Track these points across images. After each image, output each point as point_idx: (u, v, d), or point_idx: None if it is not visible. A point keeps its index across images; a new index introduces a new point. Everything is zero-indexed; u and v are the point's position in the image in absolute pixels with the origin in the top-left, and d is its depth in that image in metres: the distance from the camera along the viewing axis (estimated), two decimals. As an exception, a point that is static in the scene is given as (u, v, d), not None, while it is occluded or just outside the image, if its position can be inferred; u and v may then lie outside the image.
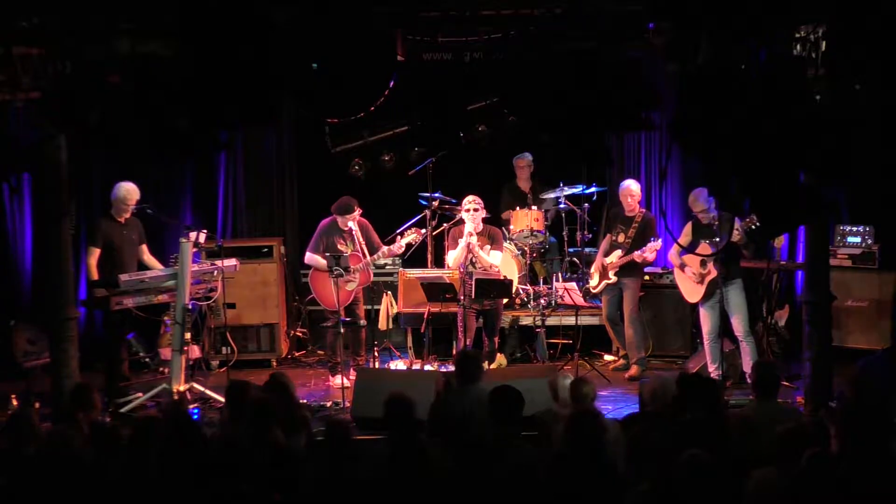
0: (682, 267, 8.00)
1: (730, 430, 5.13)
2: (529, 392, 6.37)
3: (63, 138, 6.84)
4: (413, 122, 8.48)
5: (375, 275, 8.92)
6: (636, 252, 8.35)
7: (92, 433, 5.05)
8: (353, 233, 8.29)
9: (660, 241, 8.48)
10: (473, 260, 8.41)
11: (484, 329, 8.49)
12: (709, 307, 7.85)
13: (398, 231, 8.78)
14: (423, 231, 8.70)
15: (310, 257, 8.42)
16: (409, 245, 8.52)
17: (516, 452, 4.80)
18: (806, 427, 4.57)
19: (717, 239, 7.67)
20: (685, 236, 8.00)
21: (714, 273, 7.75)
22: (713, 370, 7.77)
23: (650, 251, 8.39)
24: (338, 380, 8.31)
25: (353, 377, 8.02)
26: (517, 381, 6.76)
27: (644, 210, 8.80)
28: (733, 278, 7.84)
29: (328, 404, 7.66)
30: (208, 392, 7.64)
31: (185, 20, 5.39)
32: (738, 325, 7.83)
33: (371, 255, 8.31)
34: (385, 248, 8.33)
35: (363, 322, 8.45)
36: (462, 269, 8.36)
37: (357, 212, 8.26)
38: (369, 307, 8.63)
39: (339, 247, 8.30)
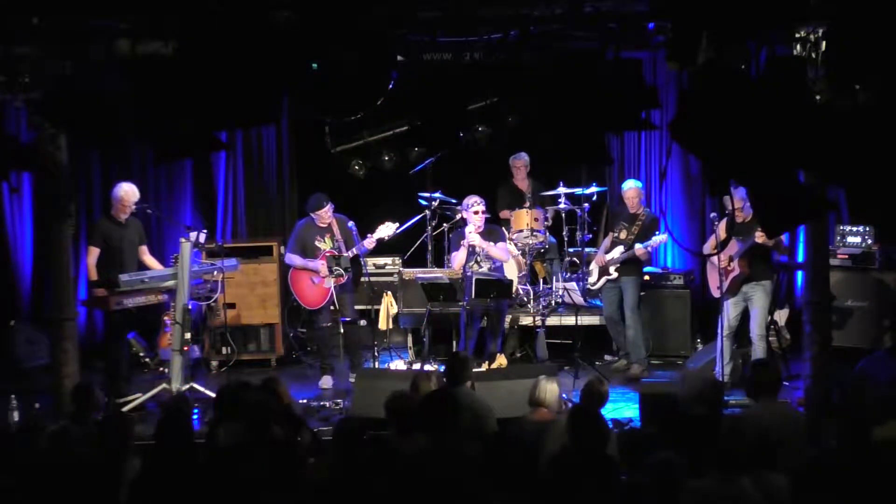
0: (710, 260, 7.97)
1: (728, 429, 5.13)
2: (529, 392, 6.37)
3: (63, 138, 6.84)
4: (413, 122, 8.47)
5: (375, 274, 8.93)
6: (638, 245, 8.35)
7: (99, 431, 5.07)
8: (333, 230, 8.27)
9: (665, 234, 8.49)
10: (479, 259, 8.41)
11: (487, 329, 8.49)
12: (731, 304, 7.79)
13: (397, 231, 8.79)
14: (396, 224, 8.60)
15: (288, 257, 8.43)
16: (380, 240, 8.45)
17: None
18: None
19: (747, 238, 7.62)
20: (721, 234, 7.91)
21: (737, 270, 7.72)
22: (723, 367, 7.73)
23: (655, 243, 8.41)
24: (326, 381, 8.31)
25: (352, 379, 8.02)
26: (517, 382, 6.79)
27: (648, 210, 8.81)
28: (760, 279, 7.76)
29: (328, 404, 7.67)
30: (208, 392, 7.64)
31: (185, 21, 5.39)
32: (755, 326, 7.75)
33: (346, 252, 8.27)
34: (354, 248, 8.28)
35: (363, 323, 8.44)
36: (464, 270, 8.38)
37: (328, 206, 8.23)
38: (369, 307, 8.62)
39: (316, 244, 8.29)
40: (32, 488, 4.51)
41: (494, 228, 8.69)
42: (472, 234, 8.37)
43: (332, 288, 8.17)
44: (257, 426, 4.96)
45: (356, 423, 5.07)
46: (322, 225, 8.29)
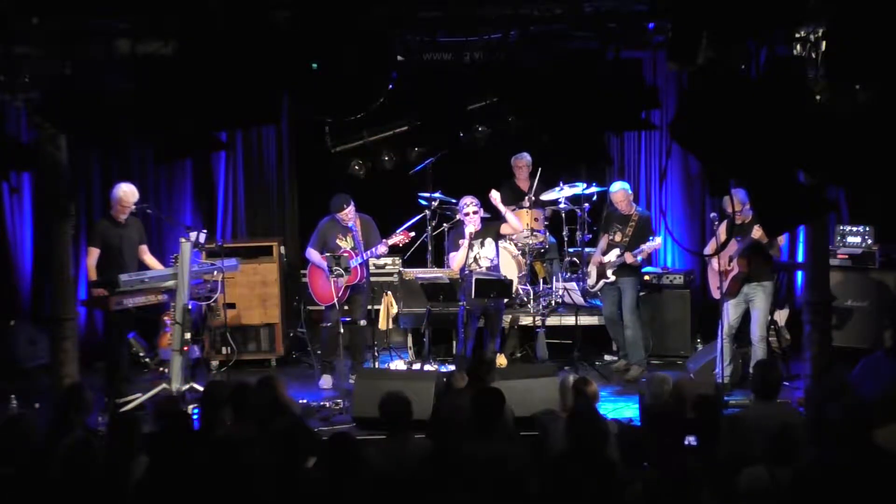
0: (710, 262, 7.97)
1: (728, 430, 5.14)
2: (529, 392, 6.41)
3: (63, 138, 6.84)
4: (413, 122, 8.48)
5: (375, 275, 8.93)
6: (628, 253, 8.36)
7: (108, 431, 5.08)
8: (354, 230, 8.31)
9: (658, 239, 8.48)
10: (477, 257, 8.43)
11: (485, 329, 8.49)
12: (732, 305, 7.78)
13: (397, 231, 8.79)
14: (412, 234, 8.70)
15: (308, 252, 8.50)
16: (394, 246, 8.51)
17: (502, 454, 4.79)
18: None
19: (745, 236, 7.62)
20: (722, 236, 7.91)
21: (736, 269, 7.72)
22: (723, 368, 7.73)
23: (648, 249, 8.39)
24: (327, 381, 8.31)
25: (352, 380, 8.01)
26: (517, 382, 6.80)
27: (640, 209, 8.80)
28: (761, 280, 7.76)
29: (328, 404, 7.67)
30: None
31: (185, 20, 5.38)
32: (756, 328, 7.75)
33: (366, 252, 8.31)
34: (371, 249, 8.34)
35: (363, 323, 8.45)
36: (462, 270, 8.38)
37: (348, 208, 8.27)
38: (369, 307, 8.62)
39: (338, 242, 8.33)
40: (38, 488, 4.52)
41: (492, 224, 8.72)
42: (494, 193, 8.51)
43: (343, 287, 8.19)
44: (262, 422, 4.97)
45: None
46: (346, 223, 8.32)
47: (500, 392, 5.22)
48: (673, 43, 4.95)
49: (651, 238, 8.40)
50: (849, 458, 4.33)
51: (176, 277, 7.71)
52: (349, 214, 8.30)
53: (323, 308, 8.51)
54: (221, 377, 8.40)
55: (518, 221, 8.75)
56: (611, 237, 8.63)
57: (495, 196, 8.57)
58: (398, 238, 8.42)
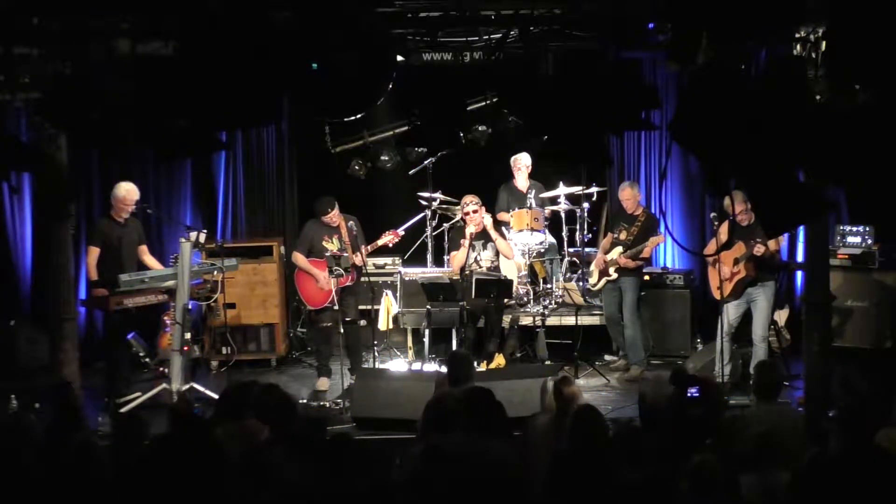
0: (715, 263, 7.98)
1: (729, 430, 5.14)
2: (528, 392, 6.40)
3: (63, 138, 6.84)
4: (413, 122, 8.49)
5: (375, 275, 8.93)
6: (621, 256, 8.37)
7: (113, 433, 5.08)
8: (341, 232, 8.28)
9: (661, 235, 8.49)
10: (477, 258, 8.43)
11: (485, 329, 8.49)
12: (733, 305, 7.79)
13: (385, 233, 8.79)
14: (401, 232, 8.67)
15: (294, 256, 8.44)
16: (383, 246, 8.50)
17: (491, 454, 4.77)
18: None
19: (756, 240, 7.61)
20: (722, 235, 7.91)
21: (743, 273, 7.72)
22: (722, 368, 7.73)
23: (651, 245, 8.40)
24: (323, 383, 8.31)
25: (352, 379, 8.02)
26: (516, 382, 6.80)
27: (647, 210, 8.81)
28: (764, 280, 7.78)
29: (328, 404, 7.67)
30: (209, 392, 7.64)
31: (185, 20, 5.39)
32: (758, 327, 7.76)
33: (352, 254, 8.30)
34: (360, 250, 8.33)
35: (363, 323, 8.44)
36: (462, 270, 8.39)
37: (332, 211, 8.23)
38: (369, 307, 8.62)
39: (324, 244, 8.31)
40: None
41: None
42: (487, 217, 8.52)
43: (336, 289, 8.17)
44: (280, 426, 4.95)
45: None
46: (332, 225, 8.29)
47: (489, 391, 5.18)
48: (673, 43, 4.96)
49: (657, 232, 8.42)
50: (849, 459, 4.32)
51: (176, 277, 7.71)
52: (334, 218, 8.26)
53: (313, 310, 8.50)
54: (222, 377, 8.41)
55: (510, 248, 8.70)
56: (616, 235, 8.64)
57: (488, 221, 8.56)
58: (387, 239, 8.39)
